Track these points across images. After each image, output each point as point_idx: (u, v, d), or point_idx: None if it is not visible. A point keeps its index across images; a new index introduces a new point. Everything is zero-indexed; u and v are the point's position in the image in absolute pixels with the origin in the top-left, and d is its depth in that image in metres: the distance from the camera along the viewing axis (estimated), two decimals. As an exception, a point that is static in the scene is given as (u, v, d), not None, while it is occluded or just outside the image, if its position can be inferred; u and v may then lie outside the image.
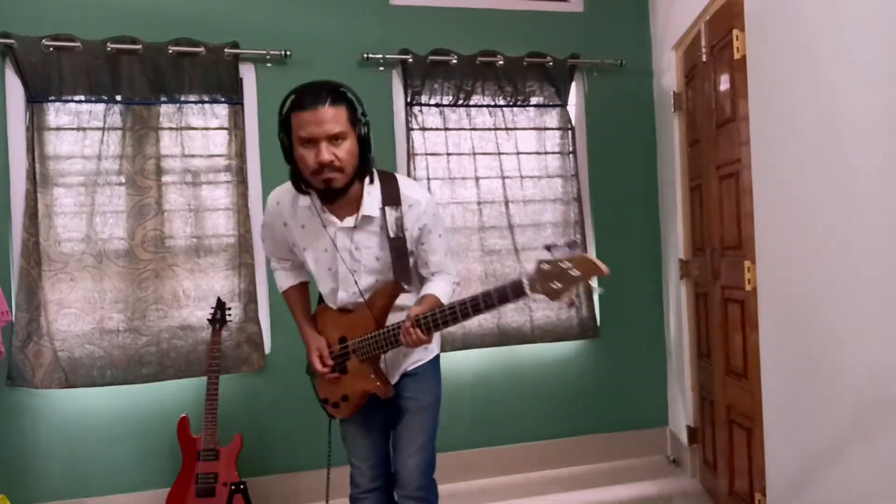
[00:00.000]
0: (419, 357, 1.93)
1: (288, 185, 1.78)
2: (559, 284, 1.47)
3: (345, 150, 1.64)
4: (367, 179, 1.75)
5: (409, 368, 1.92)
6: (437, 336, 1.89)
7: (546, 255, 1.49)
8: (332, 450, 2.08)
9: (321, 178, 1.64)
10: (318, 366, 1.86)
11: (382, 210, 1.76)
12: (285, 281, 2.02)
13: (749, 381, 2.41)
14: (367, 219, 1.76)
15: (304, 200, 1.77)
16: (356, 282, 1.82)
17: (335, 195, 1.69)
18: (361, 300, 1.82)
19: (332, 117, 1.60)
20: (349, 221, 1.77)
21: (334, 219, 1.77)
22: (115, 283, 2.87)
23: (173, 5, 3.01)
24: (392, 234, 1.76)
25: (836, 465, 1.86)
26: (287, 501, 3.04)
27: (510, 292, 1.56)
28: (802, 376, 2.02)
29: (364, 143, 1.70)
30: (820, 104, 1.89)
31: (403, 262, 1.78)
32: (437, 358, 2.00)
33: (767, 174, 2.21)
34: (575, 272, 1.45)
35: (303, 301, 2.02)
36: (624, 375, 3.45)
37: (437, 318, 1.68)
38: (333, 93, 1.63)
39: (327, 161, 1.61)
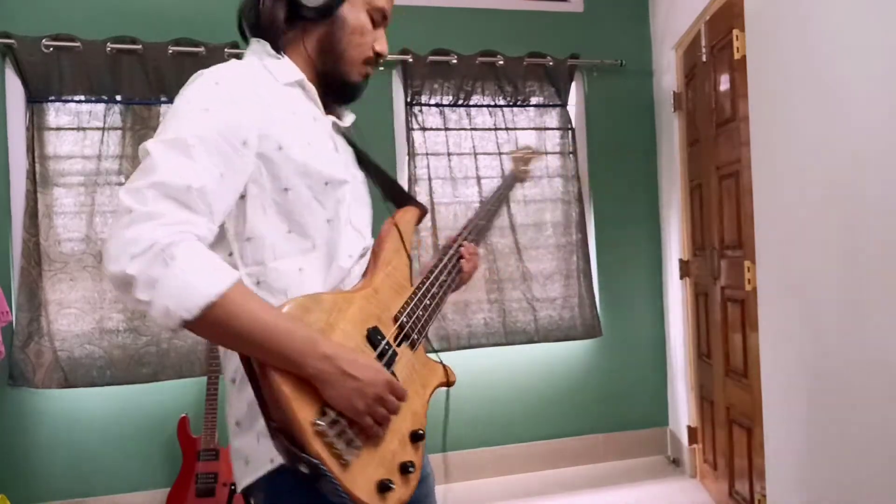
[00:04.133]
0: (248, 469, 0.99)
1: (246, 61, 1.05)
2: (524, 166, 1.84)
3: None
4: None
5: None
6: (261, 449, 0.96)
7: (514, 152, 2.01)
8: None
9: (367, 69, 1.13)
10: (396, 404, 0.93)
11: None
12: (224, 269, 0.85)
13: (749, 381, 2.41)
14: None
15: (287, 75, 1.04)
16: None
17: (355, 96, 1.15)
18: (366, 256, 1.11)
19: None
20: (347, 120, 1.16)
21: (333, 118, 1.12)
22: (115, 283, 2.86)
23: (173, 5, 3.01)
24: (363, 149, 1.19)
25: (836, 465, 1.86)
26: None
27: (511, 180, 1.77)
28: (802, 376, 2.02)
29: None
30: (820, 104, 1.89)
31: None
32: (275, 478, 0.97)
33: (767, 174, 2.21)
34: (531, 155, 1.86)
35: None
36: (624, 375, 3.45)
37: (478, 226, 1.38)
38: None
39: (386, 54, 1.15)
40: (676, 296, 3.29)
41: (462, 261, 1.28)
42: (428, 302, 1.12)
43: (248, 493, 1.00)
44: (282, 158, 0.96)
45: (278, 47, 1.05)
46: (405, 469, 0.94)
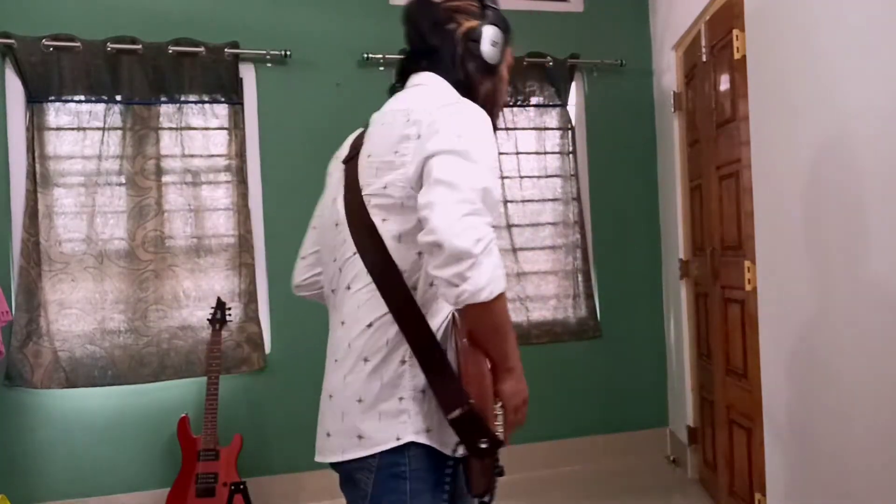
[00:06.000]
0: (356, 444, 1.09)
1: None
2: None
3: None
4: None
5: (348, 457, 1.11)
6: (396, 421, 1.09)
7: None
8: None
9: (499, 114, 1.37)
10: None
11: None
12: (503, 271, 1.04)
13: (749, 381, 2.41)
14: None
15: None
16: None
17: None
18: None
19: None
20: None
21: None
22: (115, 283, 2.87)
23: (173, 5, 3.01)
24: None
25: (836, 465, 1.86)
26: (287, 501, 3.04)
27: None
28: (802, 376, 2.02)
29: None
30: (820, 104, 1.89)
31: None
32: (394, 457, 1.08)
33: (767, 174, 2.21)
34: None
35: None
36: (624, 375, 3.45)
37: None
38: None
39: (505, 105, 1.34)
40: (676, 296, 3.29)
41: None
42: None
43: (349, 469, 1.11)
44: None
45: (472, 96, 1.21)
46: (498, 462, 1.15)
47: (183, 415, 2.74)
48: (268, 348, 3.05)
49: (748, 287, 2.36)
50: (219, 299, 2.82)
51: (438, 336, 1.09)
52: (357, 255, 1.13)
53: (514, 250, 3.29)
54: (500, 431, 1.10)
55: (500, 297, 1.00)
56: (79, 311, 2.83)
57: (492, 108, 1.25)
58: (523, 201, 3.32)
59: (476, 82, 1.24)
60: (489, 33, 1.23)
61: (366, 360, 1.10)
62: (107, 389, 2.85)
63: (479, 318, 1.03)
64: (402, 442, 1.07)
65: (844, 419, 1.82)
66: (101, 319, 2.84)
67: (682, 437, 3.26)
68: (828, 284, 1.88)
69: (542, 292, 3.34)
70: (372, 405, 1.08)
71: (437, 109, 1.09)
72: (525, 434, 3.32)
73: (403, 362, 1.08)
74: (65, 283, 2.82)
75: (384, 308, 1.09)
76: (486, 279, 0.96)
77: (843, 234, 1.79)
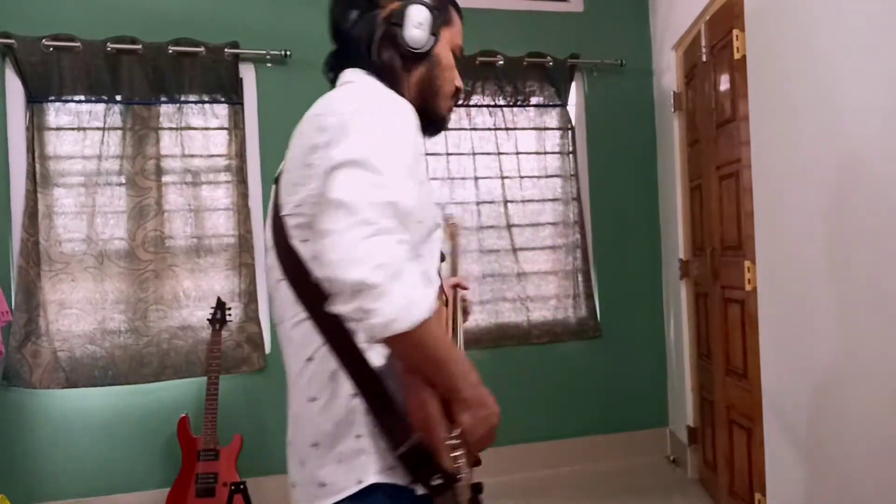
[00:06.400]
0: (333, 482, 0.98)
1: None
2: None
3: None
4: None
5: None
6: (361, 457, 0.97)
7: None
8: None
9: (452, 104, 1.20)
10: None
11: None
12: (429, 293, 0.91)
13: (749, 381, 2.41)
14: None
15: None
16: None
17: (441, 129, 1.23)
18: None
19: None
20: None
21: None
22: (116, 283, 2.87)
23: (173, 5, 3.01)
24: None
25: (836, 465, 1.86)
26: (287, 501, 3.03)
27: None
28: (802, 376, 2.02)
29: None
30: (820, 104, 1.89)
31: None
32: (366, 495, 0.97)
33: (767, 174, 2.21)
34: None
35: None
36: (624, 375, 3.45)
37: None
38: None
39: (462, 88, 1.23)
40: (676, 296, 3.29)
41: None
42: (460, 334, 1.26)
43: None
44: (424, 193, 1.03)
45: (396, 90, 1.08)
46: (477, 489, 1.02)
47: (183, 415, 2.74)
48: (268, 348, 3.05)
49: (748, 287, 2.36)
50: (219, 299, 2.82)
51: (382, 363, 0.96)
52: (285, 281, 1.01)
53: (514, 250, 3.29)
54: (458, 463, 0.93)
55: (425, 325, 0.86)
56: (79, 311, 2.83)
57: (434, 100, 1.15)
58: (523, 201, 3.32)
59: (399, 71, 1.11)
60: (414, 14, 1.09)
61: (313, 399, 0.98)
62: (107, 389, 2.85)
63: (405, 352, 0.90)
64: (364, 485, 0.95)
65: (844, 419, 1.82)
66: (101, 319, 2.84)
67: (682, 437, 3.26)
68: (827, 284, 1.87)
69: (543, 292, 3.34)
70: (329, 448, 0.97)
71: (348, 112, 0.97)
72: (525, 434, 3.32)
73: (354, 395, 0.96)
74: (65, 283, 2.82)
75: (319, 339, 0.97)
76: (396, 308, 0.83)
77: (844, 234, 1.79)
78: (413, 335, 0.85)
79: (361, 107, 0.98)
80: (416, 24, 1.09)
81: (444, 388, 0.92)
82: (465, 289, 1.40)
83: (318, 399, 0.98)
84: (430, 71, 1.13)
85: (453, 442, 0.92)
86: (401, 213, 0.88)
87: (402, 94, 1.08)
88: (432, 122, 1.17)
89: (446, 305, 1.19)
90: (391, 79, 1.10)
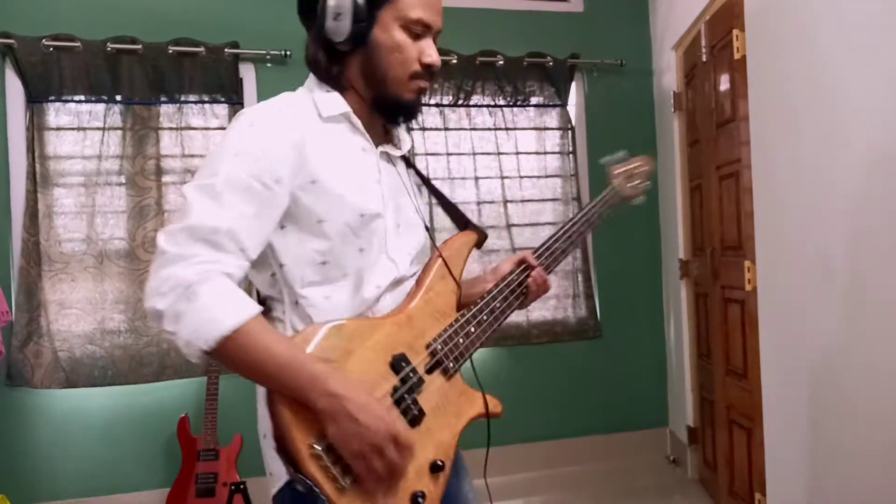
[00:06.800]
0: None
1: (293, 94, 1.10)
2: (638, 181, 1.66)
3: None
4: None
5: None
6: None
7: (615, 166, 1.69)
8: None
9: (418, 84, 1.09)
10: (396, 457, 0.92)
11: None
12: (243, 304, 0.91)
13: (749, 381, 2.41)
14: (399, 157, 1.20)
15: (333, 108, 1.08)
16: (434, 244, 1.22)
17: (412, 114, 1.15)
18: (412, 284, 1.13)
19: (441, 10, 1.10)
20: (404, 148, 1.20)
21: (389, 147, 1.15)
22: (115, 283, 2.87)
23: (173, 5, 3.01)
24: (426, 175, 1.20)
25: (836, 465, 1.86)
26: (287, 501, 3.04)
27: (614, 199, 1.59)
28: (802, 376, 2.02)
29: None
30: (820, 104, 1.89)
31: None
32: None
33: (767, 174, 2.21)
34: (645, 167, 1.67)
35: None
36: (624, 375, 3.45)
37: (556, 249, 1.32)
38: None
39: (437, 65, 1.09)
40: (676, 296, 3.29)
41: (527, 287, 1.27)
42: (473, 329, 1.13)
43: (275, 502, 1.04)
44: (317, 191, 1.01)
45: (331, 85, 1.09)
46: (415, 499, 0.95)
47: (183, 415, 2.74)
48: (268, 348, 3.04)
49: (748, 287, 2.36)
50: (219, 299, 2.82)
51: None
52: None
53: (514, 250, 3.29)
54: (330, 475, 0.88)
55: (229, 341, 0.87)
56: (79, 311, 2.83)
57: (384, 87, 1.07)
58: (523, 201, 3.32)
59: (328, 67, 1.08)
60: (330, 5, 1.04)
61: (258, 387, 1.00)
62: (107, 389, 2.85)
63: (228, 365, 0.92)
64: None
65: (844, 419, 1.82)
66: (101, 319, 2.84)
67: (682, 437, 3.26)
68: (827, 284, 1.87)
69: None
70: (269, 439, 0.98)
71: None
72: (525, 434, 3.32)
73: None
74: (65, 283, 2.82)
75: None
76: (191, 329, 0.87)
77: (844, 234, 1.79)
78: (223, 350, 0.88)
79: (225, 134, 1.01)
80: (334, 16, 1.04)
81: (292, 397, 0.90)
82: (532, 267, 1.27)
83: (260, 388, 1.00)
84: (368, 59, 1.07)
85: (315, 452, 0.88)
86: (203, 233, 0.91)
87: (345, 89, 1.09)
88: (394, 109, 1.11)
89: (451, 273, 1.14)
90: (325, 76, 1.10)
